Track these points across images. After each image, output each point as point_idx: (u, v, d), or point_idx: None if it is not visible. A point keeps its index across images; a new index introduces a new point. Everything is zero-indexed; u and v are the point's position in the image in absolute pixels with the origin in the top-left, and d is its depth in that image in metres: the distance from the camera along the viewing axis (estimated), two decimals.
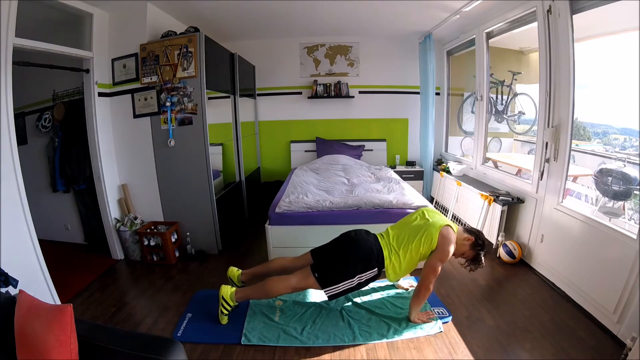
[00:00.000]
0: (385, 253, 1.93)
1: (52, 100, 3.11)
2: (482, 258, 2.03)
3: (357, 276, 1.88)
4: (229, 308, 1.97)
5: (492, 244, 2.96)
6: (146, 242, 2.82)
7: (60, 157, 3.01)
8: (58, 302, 2.05)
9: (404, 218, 2.17)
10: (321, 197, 2.78)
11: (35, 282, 1.92)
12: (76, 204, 3.24)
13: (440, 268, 1.91)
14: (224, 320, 1.98)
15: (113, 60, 2.83)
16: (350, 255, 1.89)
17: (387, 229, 2.10)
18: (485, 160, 3.60)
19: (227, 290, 1.98)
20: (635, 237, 1.78)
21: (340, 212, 2.57)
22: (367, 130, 4.62)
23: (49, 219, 3.30)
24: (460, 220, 3.47)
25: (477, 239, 2.03)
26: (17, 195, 1.85)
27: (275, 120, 4.58)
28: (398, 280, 2.03)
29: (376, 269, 1.91)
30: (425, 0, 2.97)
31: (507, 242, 2.78)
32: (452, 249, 1.91)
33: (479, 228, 2.87)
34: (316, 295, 2.23)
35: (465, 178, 3.67)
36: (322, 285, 1.88)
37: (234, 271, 2.22)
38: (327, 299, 1.93)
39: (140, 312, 2.21)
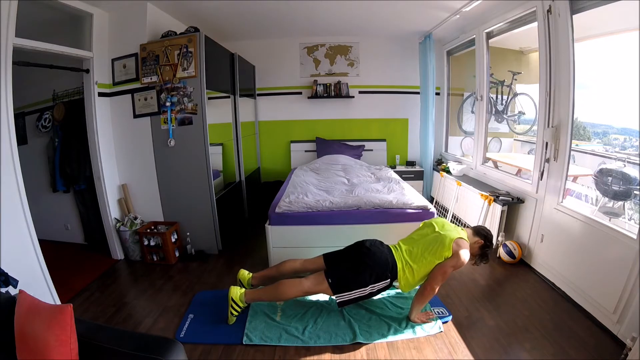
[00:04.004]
0: (399, 265, 1.94)
1: (52, 100, 3.11)
2: (489, 255, 2.12)
3: (369, 285, 1.89)
4: (238, 309, 1.98)
5: (493, 246, 2.95)
6: (146, 242, 2.82)
7: (60, 157, 3.01)
8: (58, 302, 2.05)
9: (413, 232, 2.18)
10: (321, 197, 2.78)
11: (35, 282, 1.92)
12: (76, 204, 3.24)
13: (450, 273, 1.92)
14: (232, 320, 1.99)
15: (113, 60, 2.83)
16: (365, 265, 1.90)
17: (398, 242, 2.11)
18: (485, 160, 3.60)
19: (236, 292, 1.99)
20: (635, 237, 1.78)
21: (340, 212, 2.57)
22: (367, 130, 4.62)
23: (49, 219, 3.30)
24: (460, 220, 3.47)
25: (485, 241, 2.07)
26: (17, 195, 1.85)
27: (275, 120, 4.58)
28: (410, 290, 2.05)
29: (389, 279, 1.93)
30: (425, 0, 2.98)
31: (507, 242, 2.78)
32: (467, 258, 1.92)
33: None
34: (317, 295, 2.23)
35: (465, 178, 3.67)
36: (335, 291, 1.89)
37: (245, 274, 2.23)
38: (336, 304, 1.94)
39: (140, 312, 2.21)
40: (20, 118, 3.14)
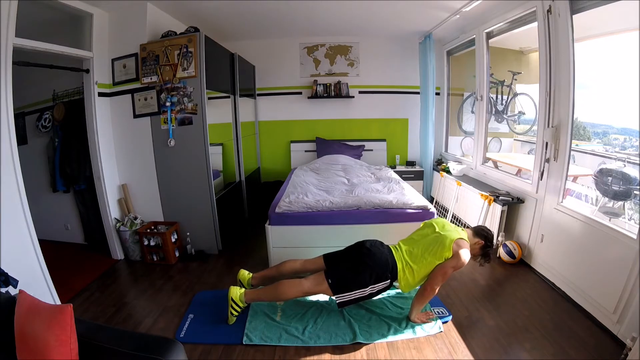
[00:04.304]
0: (400, 266, 1.94)
1: (52, 100, 3.11)
2: (490, 254, 2.13)
3: (369, 286, 1.89)
4: (238, 309, 1.98)
5: (494, 246, 2.96)
6: (146, 242, 2.82)
7: (60, 157, 3.01)
8: (58, 302, 2.05)
9: (414, 232, 2.17)
10: (321, 197, 2.78)
11: (35, 282, 1.92)
12: (76, 204, 3.24)
13: (450, 274, 1.92)
14: (232, 320, 1.98)
15: (113, 60, 2.83)
16: (365, 266, 1.90)
17: (398, 242, 2.10)
18: (485, 160, 3.60)
19: (236, 292, 1.98)
20: (635, 237, 1.78)
21: (340, 212, 2.57)
22: (367, 130, 4.62)
23: (49, 219, 3.30)
24: (460, 220, 3.47)
25: (486, 241, 2.07)
26: (17, 195, 1.85)
27: (275, 120, 4.58)
28: (410, 291, 2.05)
29: (389, 280, 1.93)
30: (425, 0, 2.98)
31: (507, 242, 2.78)
32: (467, 258, 1.92)
33: None
34: (317, 295, 2.22)
35: (465, 178, 3.67)
36: (335, 292, 1.89)
37: (245, 274, 2.23)
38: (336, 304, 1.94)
39: (140, 312, 2.21)
40: (20, 118, 3.14)
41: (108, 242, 2.97)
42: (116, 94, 2.87)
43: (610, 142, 3.12)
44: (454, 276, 2.50)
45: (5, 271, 1.53)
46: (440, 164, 4.35)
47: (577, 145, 3.18)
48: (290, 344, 1.83)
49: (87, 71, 2.67)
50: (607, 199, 2.15)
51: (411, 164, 4.56)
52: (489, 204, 2.93)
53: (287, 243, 2.56)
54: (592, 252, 2.07)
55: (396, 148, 4.68)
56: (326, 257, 2.11)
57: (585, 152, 3.25)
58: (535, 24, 2.53)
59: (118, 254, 2.98)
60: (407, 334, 1.91)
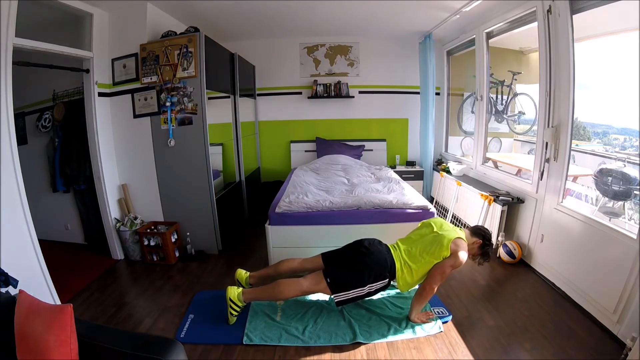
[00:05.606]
0: (398, 265, 1.94)
1: (52, 100, 3.11)
2: (490, 253, 2.12)
3: (368, 285, 1.89)
4: (237, 309, 1.98)
5: (493, 245, 2.96)
6: (146, 242, 2.82)
7: (60, 157, 3.01)
8: (58, 302, 2.05)
9: (412, 232, 2.17)
10: (321, 197, 2.78)
11: (35, 282, 1.92)
12: (76, 204, 3.24)
13: (449, 273, 1.92)
14: (232, 320, 1.98)
15: (113, 60, 2.83)
16: (364, 265, 1.90)
17: (397, 242, 2.10)
18: (485, 160, 3.60)
19: (233, 292, 1.98)
20: (635, 237, 1.78)
21: (340, 212, 2.57)
22: (367, 130, 4.63)
23: (49, 219, 3.30)
24: (460, 220, 3.47)
25: (484, 240, 2.07)
26: (17, 195, 1.85)
27: (275, 120, 4.58)
28: (408, 290, 2.05)
29: (387, 279, 1.93)
30: (425, 0, 2.98)
31: (507, 242, 2.78)
32: (465, 257, 1.93)
33: None
34: (317, 295, 2.23)
35: (465, 178, 3.67)
36: (333, 290, 1.89)
37: (242, 274, 2.23)
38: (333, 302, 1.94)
39: (140, 312, 2.21)
40: (20, 118, 3.13)
41: (108, 242, 2.97)
42: (116, 94, 2.87)
43: (610, 142, 3.12)
44: (454, 276, 2.50)
45: (5, 271, 1.53)
46: (440, 164, 4.35)
47: (577, 145, 3.18)
48: (290, 344, 1.83)
49: (87, 71, 2.67)
50: (607, 199, 2.15)
51: (411, 164, 4.56)
52: (489, 204, 2.93)
53: (287, 243, 2.56)
54: (592, 252, 2.07)
55: (396, 148, 4.68)
56: (324, 256, 2.11)
57: (585, 152, 3.25)
58: (535, 24, 2.54)
59: (118, 254, 2.98)
60: (407, 334, 1.91)
